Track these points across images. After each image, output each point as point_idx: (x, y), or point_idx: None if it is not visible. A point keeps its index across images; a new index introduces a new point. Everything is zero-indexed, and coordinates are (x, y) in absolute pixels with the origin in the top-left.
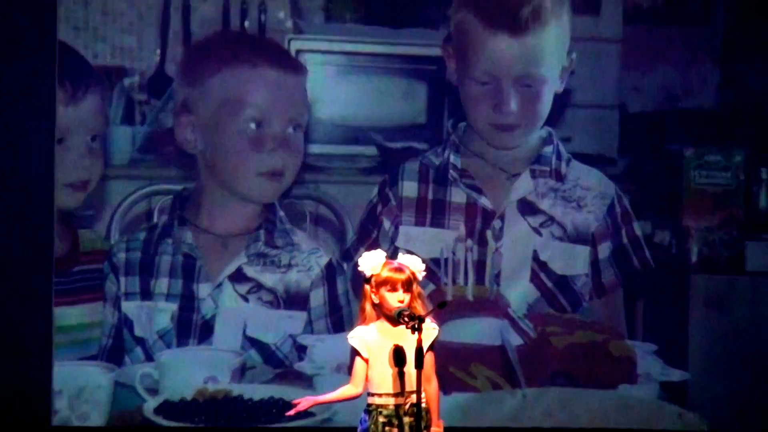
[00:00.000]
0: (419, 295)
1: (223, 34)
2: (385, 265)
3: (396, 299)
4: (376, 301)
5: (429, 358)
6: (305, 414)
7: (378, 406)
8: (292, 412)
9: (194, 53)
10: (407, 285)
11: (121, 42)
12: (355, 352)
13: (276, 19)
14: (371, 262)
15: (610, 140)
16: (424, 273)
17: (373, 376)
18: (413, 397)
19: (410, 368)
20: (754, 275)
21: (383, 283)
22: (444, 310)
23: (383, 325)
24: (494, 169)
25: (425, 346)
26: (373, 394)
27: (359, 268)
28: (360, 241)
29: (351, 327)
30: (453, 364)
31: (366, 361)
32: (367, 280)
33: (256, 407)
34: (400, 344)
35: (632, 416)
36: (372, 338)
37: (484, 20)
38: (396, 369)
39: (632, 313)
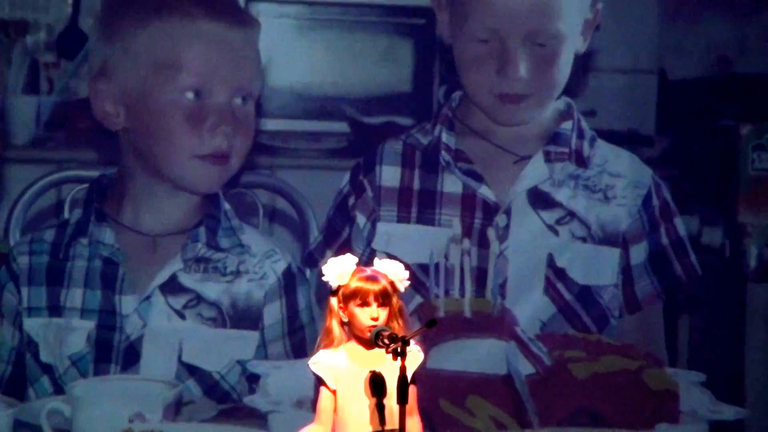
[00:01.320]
0: (400, 310)
1: None
2: (355, 273)
3: (368, 316)
4: (345, 318)
5: (410, 392)
6: None
7: None
8: None
9: (115, 3)
10: (383, 298)
11: None
12: (319, 382)
13: None
14: (337, 269)
15: (646, 114)
16: (408, 282)
17: (344, 411)
18: None
19: (391, 401)
20: None
21: (352, 295)
22: (434, 329)
23: (355, 348)
24: (498, 150)
25: (408, 374)
26: None
27: (324, 278)
28: (327, 242)
29: (315, 351)
30: (445, 399)
31: (334, 393)
32: (334, 293)
33: None
34: (378, 371)
35: None
36: (341, 364)
37: None
38: (374, 400)
39: (674, 334)
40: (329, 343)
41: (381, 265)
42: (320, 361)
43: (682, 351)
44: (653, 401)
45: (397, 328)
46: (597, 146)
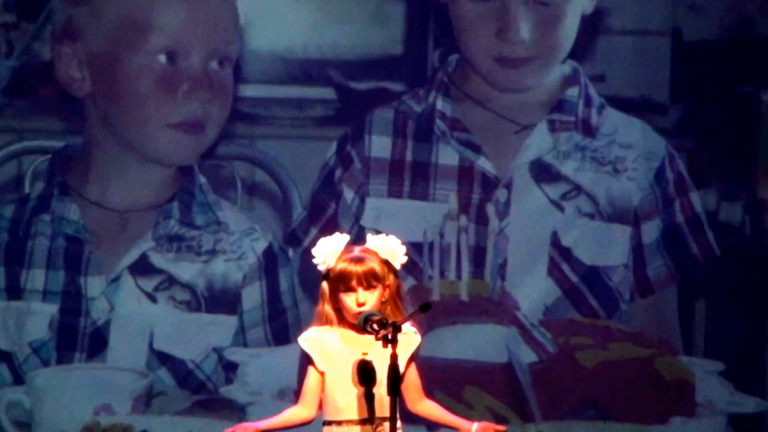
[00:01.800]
0: (396, 290)
1: None
2: (342, 254)
3: (354, 302)
4: (336, 304)
5: (412, 372)
6: None
7: None
8: None
9: None
10: (369, 280)
11: None
12: (307, 360)
13: None
14: (325, 250)
15: (659, 80)
16: (405, 258)
17: (331, 396)
18: (386, 427)
19: (381, 390)
20: None
21: (337, 279)
22: (428, 314)
23: (349, 332)
24: (498, 119)
25: (403, 360)
26: (330, 422)
27: (314, 260)
28: (311, 218)
29: (298, 338)
30: (441, 389)
31: (322, 374)
32: (326, 276)
33: None
34: (369, 359)
35: None
36: (332, 344)
37: None
38: (363, 390)
39: (689, 319)
40: (322, 325)
41: (374, 241)
42: (311, 338)
43: (698, 338)
44: (666, 393)
45: (392, 310)
46: (606, 114)
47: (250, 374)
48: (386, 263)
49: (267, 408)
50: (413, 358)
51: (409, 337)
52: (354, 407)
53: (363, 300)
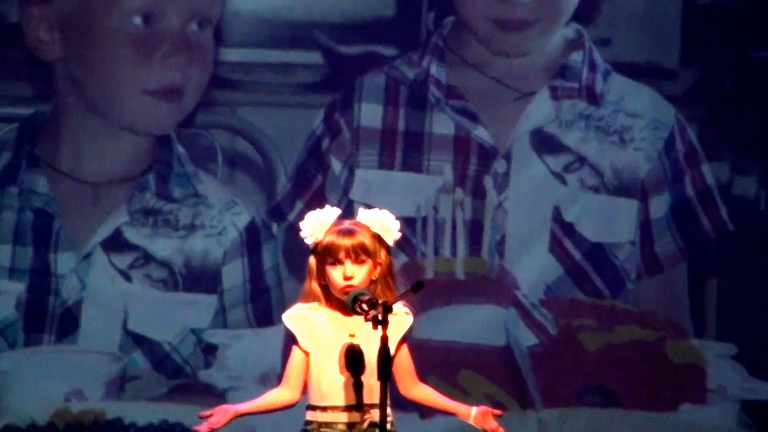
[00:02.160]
0: (388, 268)
1: None
2: (331, 227)
3: (341, 275)
4: (324, 280)
5: (404, 355)
6: None
7: (322, 424)
8: (202, 429)
9: None
10: (358, 254)
11: None
12: (291, 339)
13: None
14: (313, 223)
15: (669, 44)
16: (399, 234)
17: (316, 380)
18: (374, 414)
19: (371, 380)
20: None
21: (324, 253)
22: (421, 294)
23: (335, 312)
24: (497, 85)
25: (394, 342)
26: (315, 407)
27: (301, 234)
28: (297, 191)
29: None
30: (435, 373)
31: (306, 354)
32: (314, 251)
33: None
34: (357, 342)
35: None
36: (318, 324)
37: None
38: (351, 379)
39: (700, 300)
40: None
41: (365, 215)
42: (295, 315)
43: (710, 320)
44: (676, 378)
45: (383, 290)
46: (611, 81)
47: (230, 357)
48: (378, 238)
49: (248, 393)
50: (405, 340)
51: (401, 318)
52: (340, 393)
53: (350, 273)
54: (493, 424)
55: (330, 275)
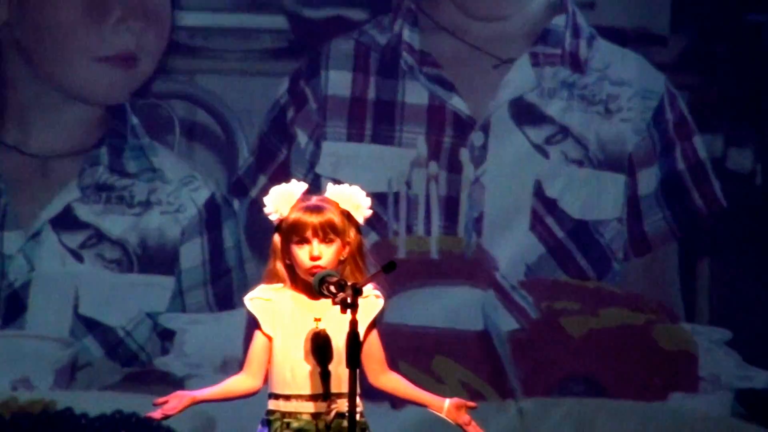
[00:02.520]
0: (358, 248)
1: None
2: (297, 203)
3: (307, 255)
4: (288, 260)
5: (373, 341)
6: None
7: (285, 414)
8: (156, 415)
9: None
10: (326, 232)
11: None
12: (254, 323)
13: None
14: (278, 198)
15: (659, 7)
16: (369, 212)
17: (280, 367)
18: (342, 404)
19: (339, 369)
20: None
21: (289, 230)
22: (393, 275)
23: (300, 295)
24: (473, 51)
25: (364, 326)
26: (277, 396)
27: (265, 210)
28: (260, 165)
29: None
30: (407, 360)
31: (269, 339)
32: (278, 228)
33: (95, 427)
34: (323, 327)
35: None
36: (282, 307)
37: None
38: (318, 368)
39: (692, 281)
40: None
41: (334, 190)
42: (258, 297)
43: (702, 302)
44: (665, 365)
45: (352, 271)
46: (596, 47)
47: (188, 343)
48: (347, 216)
49: (208, 381)
50: (375, 324)
51: (371, 301)
52: (306, 381)
53: (318, 253)
54: (465, 417)
55: (296, 255)
